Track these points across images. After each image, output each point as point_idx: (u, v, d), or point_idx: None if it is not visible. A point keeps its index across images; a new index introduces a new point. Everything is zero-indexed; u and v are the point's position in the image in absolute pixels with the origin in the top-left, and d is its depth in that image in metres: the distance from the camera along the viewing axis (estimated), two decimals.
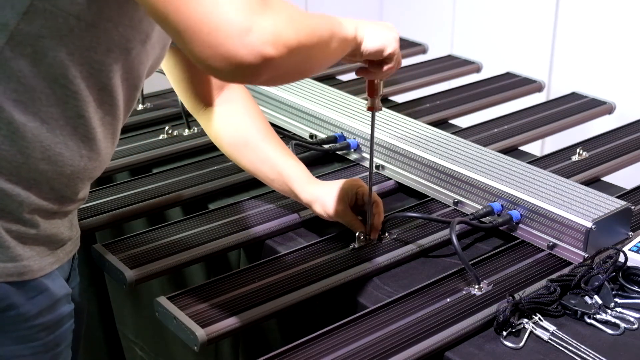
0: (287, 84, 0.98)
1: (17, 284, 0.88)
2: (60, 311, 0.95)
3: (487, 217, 1.21)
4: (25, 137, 0.84)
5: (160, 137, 1.58)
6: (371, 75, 1.02)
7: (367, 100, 1.09)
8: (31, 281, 0.89)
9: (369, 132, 1.14)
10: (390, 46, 0.98)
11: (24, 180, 0.85)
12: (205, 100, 1.20)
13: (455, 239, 1.08)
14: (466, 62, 2.02)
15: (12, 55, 0.80)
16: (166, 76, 1.21)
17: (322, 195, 1.17)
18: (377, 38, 0.97)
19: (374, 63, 1.00)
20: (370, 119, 1.13)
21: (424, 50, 2.13)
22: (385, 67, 1.00)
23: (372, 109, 1.09)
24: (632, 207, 1.17)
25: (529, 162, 1.34)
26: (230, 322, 1.00)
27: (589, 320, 1.01)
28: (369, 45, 0.96)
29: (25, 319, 0.90)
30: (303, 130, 1.56)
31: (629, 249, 1.10)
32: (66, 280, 0.98)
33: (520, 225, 1.19)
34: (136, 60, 0.89)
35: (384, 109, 1.52)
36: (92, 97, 0.87)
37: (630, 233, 1.18)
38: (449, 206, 1.29)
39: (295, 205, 1.29)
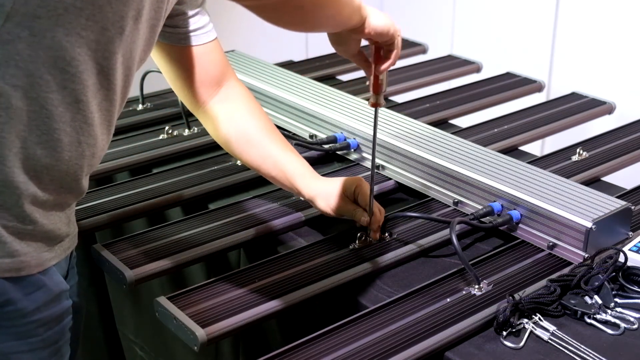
0: (290, 20, 0.98)
1: (14, 280, 0.88)
2: (59, 307, 0.95)
3: (487, 217, 1.21)
4: (23, 122, 0.84)
5: (160, 137, 1.57)
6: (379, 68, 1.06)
7: (369, 97, 1.09)
8: (29, 277, 0.89)
9: (369, 132, 1.15)
10: (393, 26, 1.03)
11: (22, 169, 0.85)
12: (204, 97, 1.20)
13: (455, 239, 1.08)
14: (466, 62, 2.02)
15: (9, 37, 0.80)
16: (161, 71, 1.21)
17: (325, 191, 1.18)
18: (382, 18, 1.03)
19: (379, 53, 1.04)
20: (372, 118, 1.13)
21: (424, 50, 2.13)
22: (393, 57, 1.05)
23: (375, 105, 1.09)
24: (632, 207, 1.17)
25: (529, 162, 1.34)
26: (230, 322, 1.00)
27: (589, 320, 1.01)
28: (375, 22, 1.02)
29: (23, 315, 0.90)
30: (303, 130, 1.56)
31: (629, 249, 1.10)
32: (64, 278, 0.98)
33: (520, 225, 1.19)
34: (129, 40, 0.90)
35: (384, 109, 1.53)
36: (90, 81, 0.87)
37: (630, 233, 1.18)
38: (449, 206, 1.29)
39: (296, 205, 1.29)
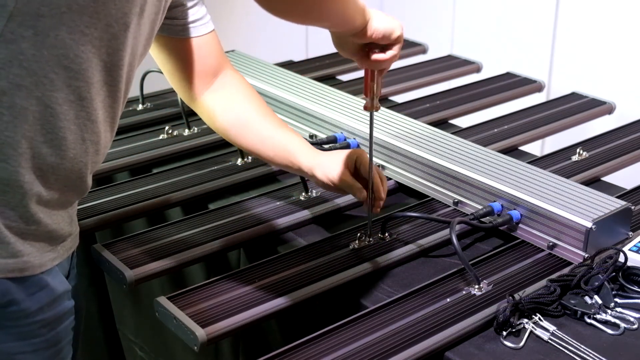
0: (293, 10, 0.97)
1: (17, 280, 0.88)
2: (61, 307, 0.95)
3: (487, 217, 1.21)
4: (27, 122, 0.83)
5: (160, 137, 1.57)
6: (374, 63, 1.04)
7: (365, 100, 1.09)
8: (32, 277, 0.89)
9: (369, 133, 1.15)
10: (398, 30, 1.03)
11: (28, 168, 0.85)
12: (200, 88, 1.20)
13: (455, 239, 1.08)
14: (466, 62, 2.02)
15: (13, 37, 0.80)
16: (161, 70, 1.21)
17: (324, 161, 1.17)
18: (386, 20, 1.02)
19: (376, 50, 1.04)
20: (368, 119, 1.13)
21: (424, 50, 2.13)
22: (389, 54, 1.04)
23: (369, 108, 1.09)
24: (632, 207, 1.17)
25: (529, 162, 1.34)
26: (230, 322, 1.00)
27: (589, 320, 1.01)
28: (378, 25, 1.01)
29: (26, 315, 0.90)
30: (303, 130, 1.56)
31: (629, 249, 1.10)
32: (65, 278, 0.98)
33: (520, 225, 1.19)
34: (133, 36, 0.90)
35: (384, 109, 1.53)
36: (94, 78, 0.87)
37: (630, 233, 1.18)
38: (449, 206, 1.29)
39: (296, 205, 1.29)
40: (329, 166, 1.16)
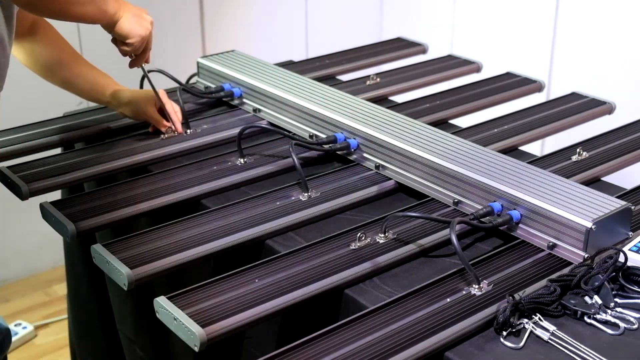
0: (43, 13, 1.24)
1: None
2: None
3: (487, 217, 1.21)
4: None
5: (160, 137, 1.58)
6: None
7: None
8: None
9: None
10: (135, 38, 1.30)
11: None
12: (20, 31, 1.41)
13: (455, 239, 1.08)
14: (466, 62, 2.02)
15: None
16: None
17: (133, 101, 1.53)
18: (129, 25, 1.29)
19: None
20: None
21: (424, 50, 2.13)
22: (123, 48, 1.34)
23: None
24: (632, 207, 1.17)
25: (529, 162, 1.34)
26: (230, 322, 1.00)
27: (589, 320, 1.01)
28: (122, 27, 1.28)
29: None
30: (303, 130, 1.56)
31: (629, 249, 1.10)
32: None
33: (520, 225, 1.19)
34: None
35: (384, 109, 1.52)
36: None
37: (630, 233, 1.18)
38: (449, 206, 1.29)
39: (296, 205, 1.29)
40: (138, 104, 1.52)
